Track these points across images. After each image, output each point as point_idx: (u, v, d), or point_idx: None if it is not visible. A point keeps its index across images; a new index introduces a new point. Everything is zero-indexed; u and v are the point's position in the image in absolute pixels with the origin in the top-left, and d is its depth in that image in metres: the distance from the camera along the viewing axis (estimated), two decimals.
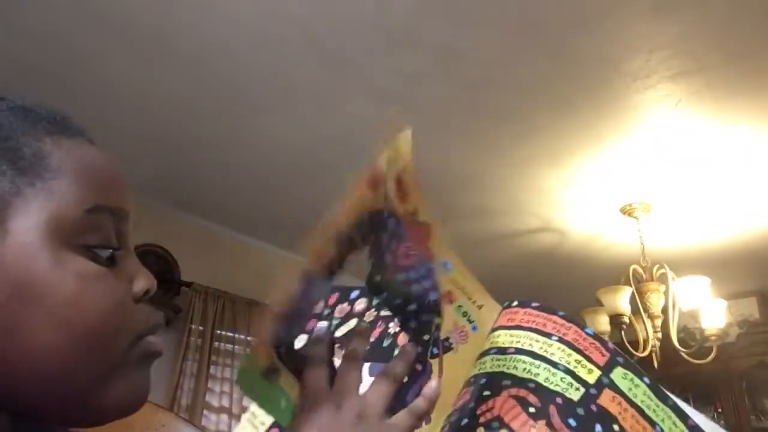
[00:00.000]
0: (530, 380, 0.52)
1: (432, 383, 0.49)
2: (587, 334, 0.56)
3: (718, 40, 1.87)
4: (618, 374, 0.53)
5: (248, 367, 0.49)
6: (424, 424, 0.52)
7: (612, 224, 3.04)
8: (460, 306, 0.58)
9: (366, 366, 0.59)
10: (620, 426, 0.49)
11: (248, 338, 3.10)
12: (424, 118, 2.29)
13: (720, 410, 3.77)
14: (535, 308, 0.58)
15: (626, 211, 2.87)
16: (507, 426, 0.50)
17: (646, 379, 0.53)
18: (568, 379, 0.52)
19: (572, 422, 0.49)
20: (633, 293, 2.65)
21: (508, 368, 0.54)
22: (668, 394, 0.53)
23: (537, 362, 0.53)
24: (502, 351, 0.55)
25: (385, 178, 0.49)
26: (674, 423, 0.51)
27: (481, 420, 0.52)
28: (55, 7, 1.76)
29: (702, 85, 2.07)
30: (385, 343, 0.64)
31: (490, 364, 0.55)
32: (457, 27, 1.83)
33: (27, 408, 0.40)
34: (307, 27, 1.84)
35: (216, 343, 2.97)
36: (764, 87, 2.09)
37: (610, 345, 0.55)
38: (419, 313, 0.55)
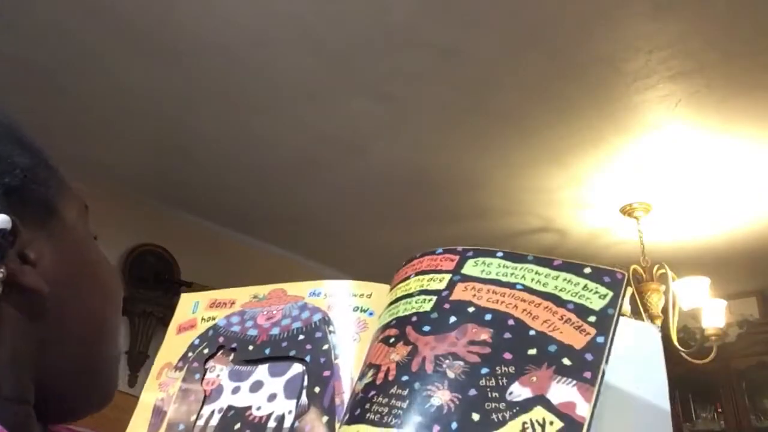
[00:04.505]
0: (392, 320, 0.55)
1: None
2: (437, 254, 0.58)
3: (718, 40, 1.87)
4: (469, 266, 0.56)
5: None
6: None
7: (612, 224, 3.04)
8: (348, 305, 0.64)
9: (265, 367, 0.61)
10: (476, 305, 0.52)
11: None
12: (424, 118, 2.29)
13: (720, 410, 3.77)
14: (403, 266, 0.61)
15: (626, 211, 2.87)
16: (373, 366, 0.52)
17: (500, 253, 0.56)
18: (421, 297, 0.55)
19: (426, 328, 0.52)
20: (633, 293, 2.65)
21: (380, 324, 0.57)
22: (527, 254, 0.55)
23: (398, 303, 0.56)
24: (379, 316, 0.59)
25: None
26: (536, 272, 0.53)
27: (359, 375, 0.54)
28: (54, 5, 1.76)
29: (702, 85, 2.07)
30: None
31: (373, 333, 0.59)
32: (457, 27, 1.83)
33: (56, 385, 0.44)
34: (307, 27, 1.84)
35: None
36: (764, 87, 2.09)
37: (461, 248, 0.58)
38: (310, 335, 0.62)
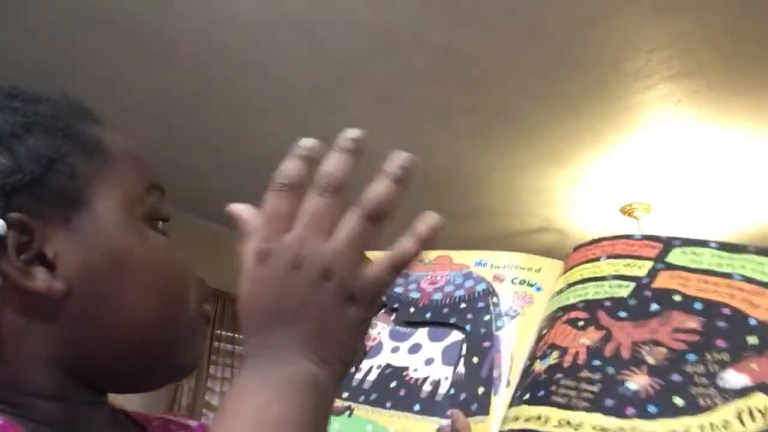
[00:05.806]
0: (579, 302, 0.54)
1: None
2: (636, 239, 0.57)
3: (718, 40, 1.87)
4: (676, 254, 0.54)
5: None
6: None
7: (612, 224, 3.04)
8: (514, 278, 0.63)
9: (425, 331, 0.62)
10: (683, 294, 0.50)
11: None
12: (424, 118, 2.29)
13: None
14: (587, 245, 0.60)
15: (626, 211, 2.87)
16: (558, 347, 0.51)
17: (714, 244, 0.54)
18: (616, 282, 0.54)
19: (622, 314, 0.50)
20: None
21: (561, 302, 0.56)
22: (746, 245, 0.53)
23: (585, 284, 0.55)
24: (559, 292, 0.58)
25: None
26: (759, 263, 0.50)
27: (538, 354, 0.53)
28: (57, 7, 1.76)
29: (702, 85, 2.07)
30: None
31: (548, 310, 0.58)
32: (457, 27, 1.83)
33: (108, 375, 0.42)
34: (307, 27, 1.84)
35: (216, 343, 2.97)
36: (764, 87, 2.09)
37: (664, 237, 0.56)
38: (472, 305, 0.61)
